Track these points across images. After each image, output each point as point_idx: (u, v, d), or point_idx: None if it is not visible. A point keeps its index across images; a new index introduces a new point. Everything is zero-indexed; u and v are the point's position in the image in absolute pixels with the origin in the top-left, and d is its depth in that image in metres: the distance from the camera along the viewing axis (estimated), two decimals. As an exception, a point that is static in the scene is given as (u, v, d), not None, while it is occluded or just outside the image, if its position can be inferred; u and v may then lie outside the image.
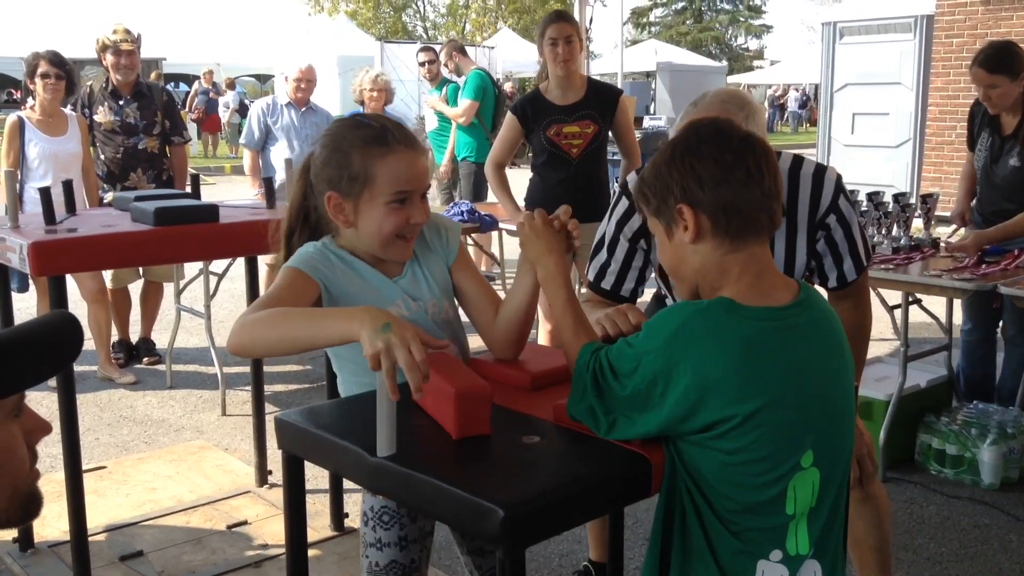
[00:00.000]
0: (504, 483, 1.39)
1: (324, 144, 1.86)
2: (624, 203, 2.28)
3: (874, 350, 3.94)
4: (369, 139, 1.80)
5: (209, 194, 4.33)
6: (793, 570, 1.47)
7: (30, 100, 5.00)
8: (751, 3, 45.70)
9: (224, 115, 19.91)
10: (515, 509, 1.29)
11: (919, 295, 3.82)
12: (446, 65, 7.23)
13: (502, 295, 1.97)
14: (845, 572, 1.59)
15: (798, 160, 2.22)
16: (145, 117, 5.10)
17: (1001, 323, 4.29)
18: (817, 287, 2.08)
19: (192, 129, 20.19)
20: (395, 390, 1.44)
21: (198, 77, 20.65)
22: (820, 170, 2.21)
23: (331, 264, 1.83)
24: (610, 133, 4.33)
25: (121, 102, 5.07)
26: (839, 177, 2.24)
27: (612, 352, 1.49)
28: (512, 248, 6.84)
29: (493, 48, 20.14)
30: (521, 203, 4.41)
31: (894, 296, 3.83)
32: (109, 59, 5.01)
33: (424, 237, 1.95)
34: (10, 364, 1.05)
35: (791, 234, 2.20)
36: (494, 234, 6.05)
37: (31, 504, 1.11)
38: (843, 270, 2.26)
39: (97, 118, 5.04)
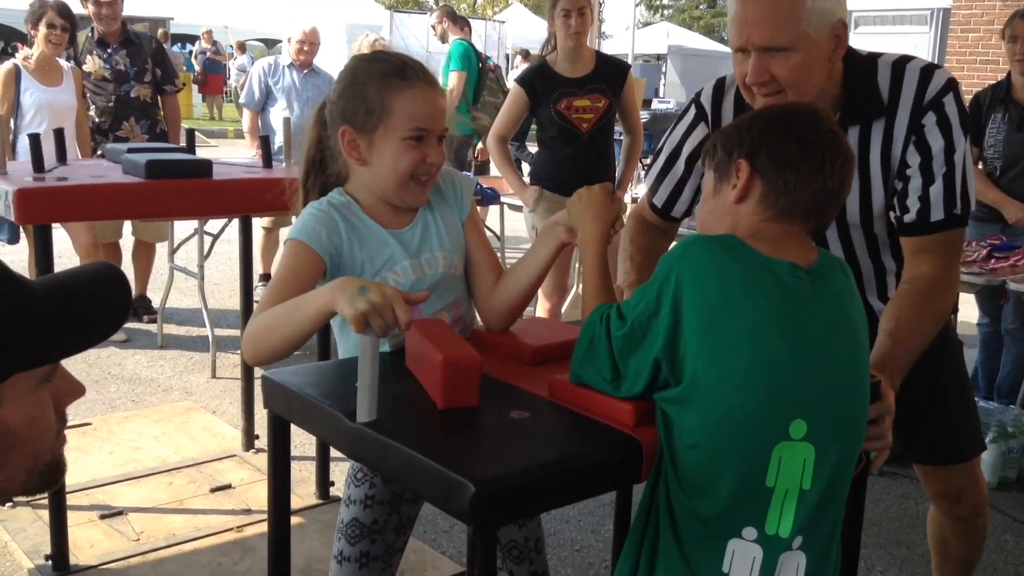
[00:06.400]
0: (481, 458, 1.32)
1: (341, 78, 1.79)
2: (691, 112, 2.14)
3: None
4: (388, 72, 1.73)
5: (210, 155, 4.25)
6: (770, 554, 1.37)
7: (25, 49, 4.90)
8: (766, -10, 45.20)
9: (240, 80, 19.71)
10: (487, 486, 1.22)
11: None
12: (433, 28, 7.10)
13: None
14: (838, 569, 1.50)
15: (908, 56, 1.93)
16: (135, 64, 5.02)
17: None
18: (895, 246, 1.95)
19: (196, 94, 20.07)
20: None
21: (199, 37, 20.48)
22: (932, 66, 1.90)
23: (335, 226, 1.74)
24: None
25: (109, 50, 5.00)
26: (954, 80, 1.89)
27: (624, 300, 1.46)
28: (513, 224, 6.79)
29: (504, 23, 19.97)
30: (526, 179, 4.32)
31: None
32: (91, 8, 4.94)
33: (439, 188, 1.88)
34: (51, 332, 0.94)
35: (887, 138, 1.89)
36: (494, 208, 5.96)
37: (52, 473, 1.01)
38: (928, 200, 1.85)
39: (86, 68, 4.96)
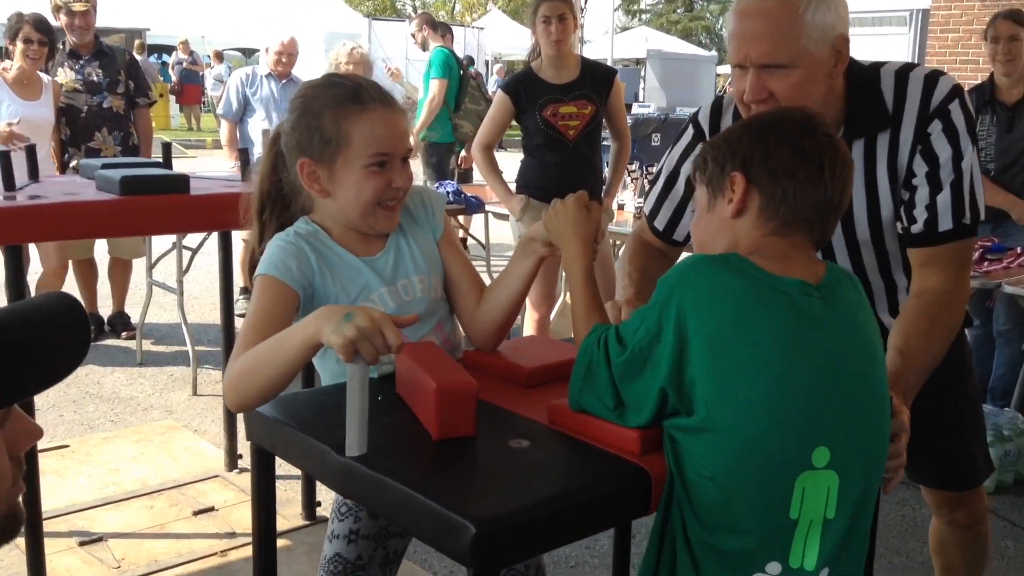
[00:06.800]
0: (481, 495, 1.24)
1: (293, 108, 1.70)
2: (689, 133, 2.08)
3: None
4: (342, 98, 1.65)
5: (188, 167, 4.17)
6: None
7: (6, 61, 4.79)
8: (743, -8, 45.40)
9: (217, 90, 19.53)
10: (489, 526, 1.14)
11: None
12: (414, 36, 7.02)
13: (487, 281, 1.83)
14: None
15: (911, 64, 1.87)
16: (108, 75, 4.93)
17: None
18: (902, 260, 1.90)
19: (173, 105, 19.89)
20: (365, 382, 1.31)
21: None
22: (936, 73, 1.84)
23: (305, 257, 1.65)
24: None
25: (81, 62, 4.90)
26: (959, 87, 1.83)
27: (623, 323, 1.38)
28: (499, 232, 6.72)
29: (483, 29, 19.94)
30: (512, 187, 4.25)
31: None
32: (63, 20, 4.84)
33: (409, 209, 1.79)
34: (2, 374, 0.84)
35: (893, 149, 1.83)
36: (478, 217, 5.89)
37: (8, 526, 0.91)
38: (936, 210, 1.78)
39: (58, 79, 4.86)
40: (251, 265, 1.78)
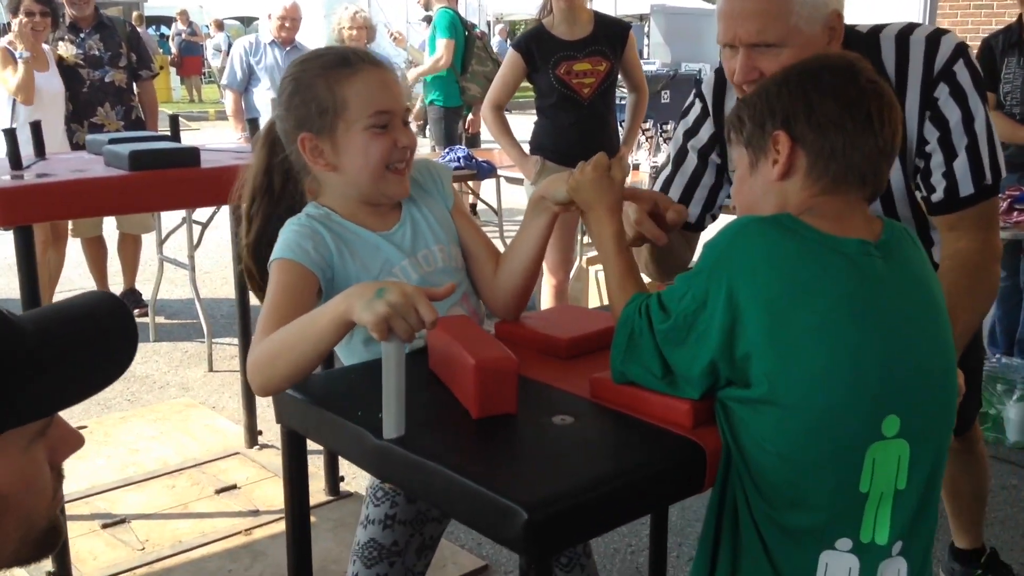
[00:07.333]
0: (529, 477, 1.17)
1: (283, 89, 1.66)
2: (697, 107, 2.02)
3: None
4: (331, 64, 1.61)
5: (193, 140, 4.09)
6: (868, 563, 1.25)
7: (8, 36, 4.71)
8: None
9: (217, 59, 19.34)
10: (541, 510, 1.08)
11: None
12: None
13: (500, 248, 1.77)
14: (932, 572, 1.37)
15: (912, 25, 1.82)
16: (109, 48, 4.84)
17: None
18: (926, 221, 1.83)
19: (175, 76, 19.72)
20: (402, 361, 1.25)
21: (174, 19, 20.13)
22: (938, 32, 1.79)
23: (321, 238, 1.59)
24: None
25: (82, 35, 4.81)
26: (963, 44, 1.78)
27: (666, 290, 1.30)
28: (511, 197, 6.62)
29: (483, -11, 19.68)
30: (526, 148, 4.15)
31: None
32: None
33: (418, 181, 1.74)
34: (46, 381, 0.79)
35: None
36: (489, 182, 5.79)
37: (48, 540, 0.86)
38: (955, 176, 1.74)
39: (60, 53, 4.77)
40: (247, 264, 1.73)
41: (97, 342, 0.84)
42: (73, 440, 0.88)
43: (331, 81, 1.59)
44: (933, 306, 1.31)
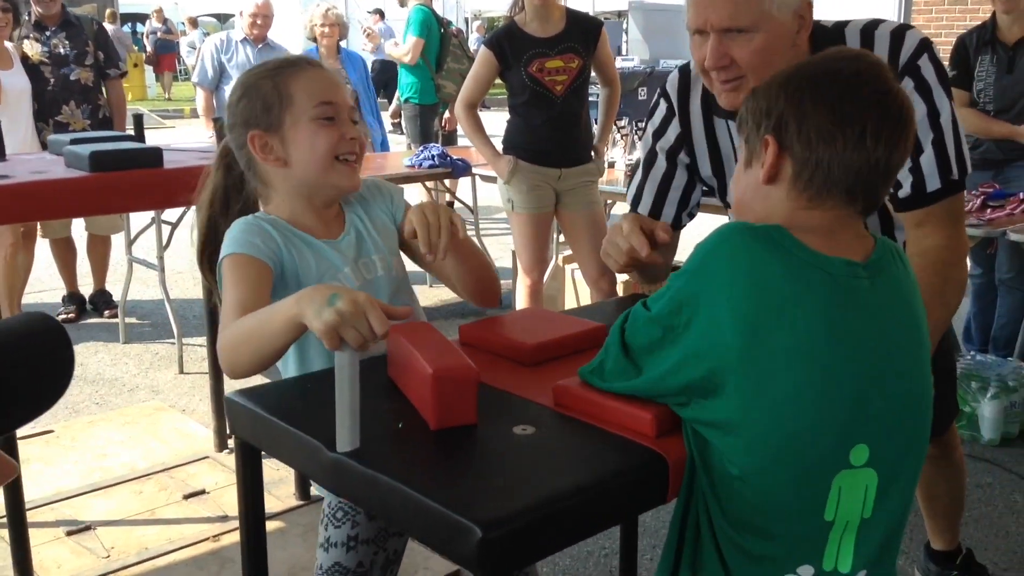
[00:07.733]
0: (486, 492, 1.13)
1: (232, 97, 1.71)
2: (662, 107, 1.99)
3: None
4: (275, 66, 1.70)
5: (166, 138, 4.02)
6: None
7: None
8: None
9: (191, 57, 19.16)
10: (496, 528, 1.04)
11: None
12: None
13: (477, 243, 1.76)
14: None
15: (876, 21, 1.81)
16: (75, 47, 4.76)
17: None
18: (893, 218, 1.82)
19: (150, 74, 19.53)
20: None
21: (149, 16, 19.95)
22: (902, 28, 1.77)
23: (268, 235, 1.63)
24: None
25: (48, 33, 4.73)
26: (927, 40, 1.77)
27: (656, 292, 1.27)
28: (486, 195, 6.57)
29: (461, -15, 19.61)
30: (499, 146, 4.10)
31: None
32: None
33: (363, 196, 1.80)
34: None
35: None
36: (465, 180, 5.75)
37: None
38: (921, 171, 1.73)
39: (24, 51, 4.69)
40: (202, 271, 1.81)
41: (34, 367, 0.80)
42: (7, 468, 0.83)
43: (276, 79, 1.65)
44: (916, 330, 1.27)
